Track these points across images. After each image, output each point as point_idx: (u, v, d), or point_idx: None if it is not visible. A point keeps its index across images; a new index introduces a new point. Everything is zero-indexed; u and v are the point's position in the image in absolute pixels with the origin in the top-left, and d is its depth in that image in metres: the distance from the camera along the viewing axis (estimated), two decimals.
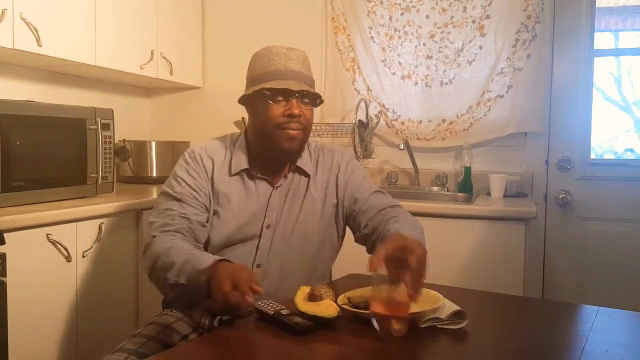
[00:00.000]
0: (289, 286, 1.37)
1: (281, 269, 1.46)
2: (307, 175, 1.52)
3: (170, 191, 1.44)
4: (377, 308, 1.06)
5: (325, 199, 1.53)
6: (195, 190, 1.44)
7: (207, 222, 1.44)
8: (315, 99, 1.47)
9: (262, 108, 1.43)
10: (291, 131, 1.42)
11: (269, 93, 1.40)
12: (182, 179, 1.45)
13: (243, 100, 1.49)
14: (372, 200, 1.51)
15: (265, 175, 1.49)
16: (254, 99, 1.44)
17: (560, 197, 2.64)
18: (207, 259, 1.23)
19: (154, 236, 1.38)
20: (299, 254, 1.49)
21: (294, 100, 1.41)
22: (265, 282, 1.39)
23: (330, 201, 1.54)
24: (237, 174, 1.48)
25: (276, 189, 1.49)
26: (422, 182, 2.77)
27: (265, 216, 1.47)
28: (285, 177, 1.51)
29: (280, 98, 1.41)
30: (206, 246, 1.44)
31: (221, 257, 1.25)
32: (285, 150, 1.43)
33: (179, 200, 1.42)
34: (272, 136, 1.42)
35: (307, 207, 1.50)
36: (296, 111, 1.40)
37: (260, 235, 1.46)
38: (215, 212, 1.45)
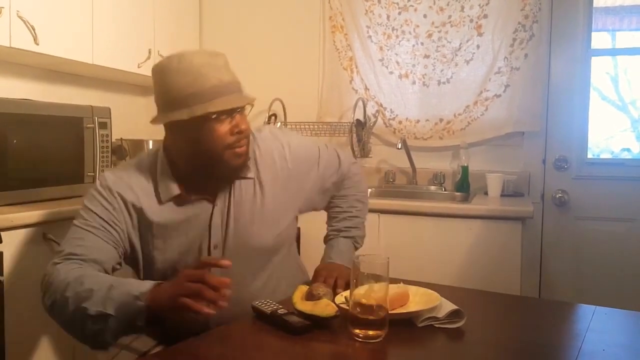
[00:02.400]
0: (266, 295, 1.29)
1: (241, 285, 1.29)
2: (249, 178, 1.38)
3: (78, 223, 1.28)
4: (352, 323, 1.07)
5: (280, 197, 1.41)
6: (109, 224, 1.28)
7: (118, 263, 1.31)
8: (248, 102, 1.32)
9: (206, 131, 1.25)
10: (240, 148, 1.29)
11: (215, 117, 1.24)
12: (92, 211, 1.29)
13: (170, 125, 1.31)
14: (322, 201, 1.58)
15: (203, 194, 1.34)
16: (190, 123, 1.23)
17: (557, 196, 2.64)
18: (141, 283, 1.13)
19: (56, 263, 1.22)
20: (258, 266, 1.39)
21: (237, 115, 1.27)
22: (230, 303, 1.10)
23: (286, 198, 1.42)
24: (168, 200, 1.32)
25: (216, 205, 1.34)
26: (420, 182, 2.77)
27: (209, 237, 1.34)
28: (227, 189, 1.36)
29: (224, 117, 1.25)
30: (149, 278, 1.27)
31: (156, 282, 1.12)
32: (237, 167, 1.31)
33: (88, 231, 1.27)
34: (219, 158, 1.27)
35: (258, 214, 1.37)
36: (244, 127, 1.27)
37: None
38: (154, 245, 1.32)
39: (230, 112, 1.26)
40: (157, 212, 1.32)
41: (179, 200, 1.33)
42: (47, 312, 1.21)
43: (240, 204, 1.36)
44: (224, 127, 1.26)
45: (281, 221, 1.42)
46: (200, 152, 1.28)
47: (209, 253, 1.34)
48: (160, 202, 1.32)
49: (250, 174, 1.37)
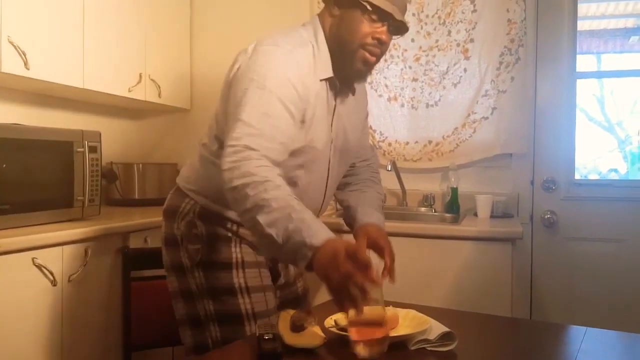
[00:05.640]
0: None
1: (329, 183, 1.48)
2: (352, 92, 1.50)
3: (276, 91, 1.26)
4: (354, 333, 1.06)
5: (361, 119, 1.60)
6: (298, 105, 1.30)
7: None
8: (400, 32, 1.41)
9: (354, 19, 1.34)
10: (370, 56, 1.36)
11: (370, 9, 1.32)
12: (291, 82, 1.28)
13: (335, 2, 1.38)
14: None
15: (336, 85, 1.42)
16: (349, 5, 1.34)
17: (546, 217, 2.66)
18: (316, 229, 1.10)
19: (253, 149, 1.19)
20: (341, 172, 1.56)
21: (386, 27, 1.35)
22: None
23: (363, 123, 1.62)
24: (323, 80, 1.38)
25: (338, 101, 1.44)
26: (410, 203, 2.78)
27: (332, 130, 1.43)
28: (344, 90, 1.46)
29: (375, 18, 1.33)
30: None
31: (331, 234, 1.11)
32: (357, 71, 1.39)
33: (285, 107, 1.26)
34: (350, 51, 1.35)
35: (353, 124, 1.52)
36: (385, 40, 1.35)
37: (331, 150, 1.44)
38: (302, 124, 1.33)
39: (384, 18, 1.34)
40: (313, 88, 1.35)
41: (327, 84, 1.40)
42: (224, 183, 1.19)
43: (345, 109, 1.47)
44: (369, 27, 1.34)
45: (359, 141, 1.58)
46: (340, 37, 1.36)
47: (331, 147, 1.44)
48: (319, 78, 1.37)
49: (361, 85, 1.52)
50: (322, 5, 1.45)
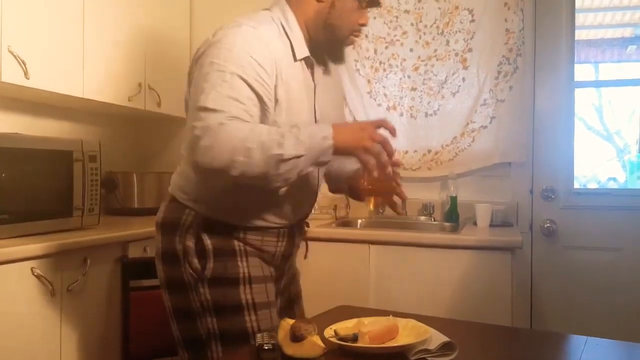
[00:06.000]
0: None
1: None
2: (328, 72, 1.51)
3: (239, 72, 1.23)
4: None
5: (340, 99, 1.67)
6: (266, 84, 1.27)
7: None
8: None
9: (346, 7, 1.38)
10: (356, 38, 1.45)
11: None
12: (255, 60, 1.25)
13: None
14: None
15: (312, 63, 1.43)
16: None
17: (546, 226, 2.66)
18: (321, 125, 1.27)
19: (222, 124, 1.17)
20: None
21: (366, 12, 1.43)
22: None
23: (342, 103, 1.70)
24: (299, 60, 1.38)
25: (316, 81, 1.45)
26: (409, 212, 2.78)
27: (314, 109, 1.43)
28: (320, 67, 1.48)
29: (364, 5, 1.41)
30: None
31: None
32: (342, 53, 1.46)
33: (251, 88, 1.24)
34: (341, 37, 1.41)
35: (334, 104, 1.55)
36: (366, 23, 1.43)
37: None
38: (277, 103, 1.31)
39: (371, 4, 1.43)
40: (289, 69, 1.35)
41: (304, 64, 1.40)
42: (218, 167, 1.17)
43: (325, 89, 1.48)
44: (357, 15, 1.40)
45: (341, 120, 1.62)
46: (330, 24, 1.39)
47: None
48: (295, 58, 1.37)
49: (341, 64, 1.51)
50: None
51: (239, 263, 1.39)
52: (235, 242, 1.39)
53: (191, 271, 1.36)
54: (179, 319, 1.41)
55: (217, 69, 1.23)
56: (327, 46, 1.43)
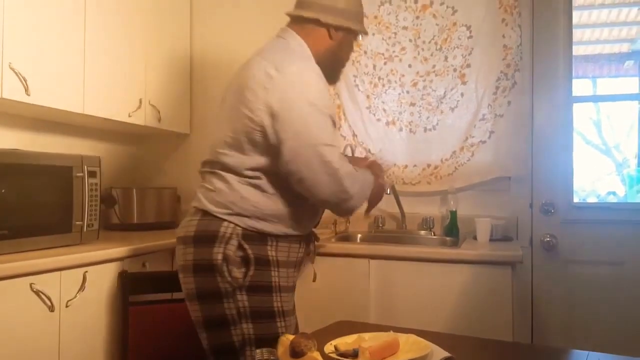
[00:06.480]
0: None
1: None
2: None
3: (328, 111, 1.53)
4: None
5: None
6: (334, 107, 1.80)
7: None
8: None
9: (350, 43, 1.73)
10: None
11: (362, 36, 1.77)
12: (329, 93, 1.59)
13: (336, 26, 1.66)
14: None
15: None
16: (349, 32, 1.69)
17: (546, 240, 2.66)
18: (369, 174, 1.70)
19: (339, 168, 1.52)
20: None
21: None
22: None
23: None
24: None
25: None
26: (409, 226, 2.78)
27: None
28: None
29: (359, 40, 1.78)
30: None
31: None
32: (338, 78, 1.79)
33: (333, 122, 1.56)
34: (342, 66, 1.75)
35: None
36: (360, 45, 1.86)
37: None
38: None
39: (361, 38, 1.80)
40: None
41: None
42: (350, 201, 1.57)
43: None
44: (356, 43, 1.77)
45: None
46: (339, 56, 1.71)
47: None
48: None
49: None
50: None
51: (272, 272, 1.54)
52: (269, 252, 1.54)
53: (230, 279, 1.47)
54: (210, 328, 1.50)
55: (316, 109, 1.49)
56: (329, 71, 1.65)
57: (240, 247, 1.50)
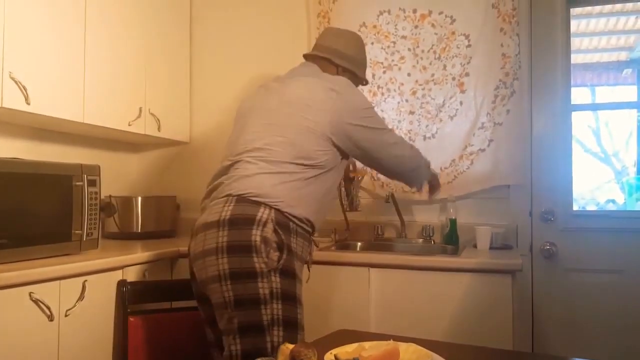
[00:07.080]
0: None
1: None
2: None
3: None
4: None
5: None
6: None
7: None
8: None
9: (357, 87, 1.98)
10: None
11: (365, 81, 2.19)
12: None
13: (344, 68, 2.03)
14: None
15: None
16: (351, 75, 2.03)
17: (546, 248, 2.66)
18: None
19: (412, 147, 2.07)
20: None
21: None
22: None
23: None
24: None
25: None
26: (409, 235, 2.78)
27: None
28: None
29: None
30: None
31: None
32: None
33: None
34: None
35: None
36: None
37: None
38: None
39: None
40: None
41: None
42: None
43: None
44: None
45: None
46: None
47: None
48: None
49: None
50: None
51: (295, 261, 1.66)
52: (292, 242, 1.65)
53: (267, 260, 1.57)
54: (242, 307, 1.55)
55: (383, 127, 1.91)
56: None
57: (275, 231, 1.59)
